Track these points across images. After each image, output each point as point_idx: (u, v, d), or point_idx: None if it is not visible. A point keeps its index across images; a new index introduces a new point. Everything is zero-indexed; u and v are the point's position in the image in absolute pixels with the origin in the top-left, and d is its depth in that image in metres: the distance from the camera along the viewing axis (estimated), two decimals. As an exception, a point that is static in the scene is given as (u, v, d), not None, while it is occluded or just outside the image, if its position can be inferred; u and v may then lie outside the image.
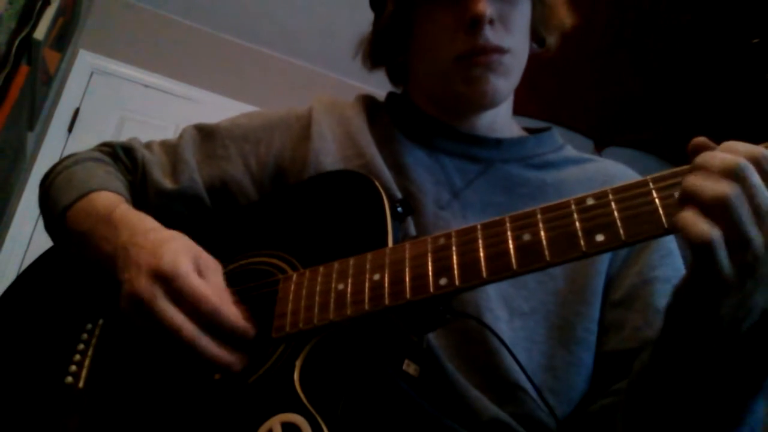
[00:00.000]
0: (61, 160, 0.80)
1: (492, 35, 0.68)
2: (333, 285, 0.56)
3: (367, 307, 0.53)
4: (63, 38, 2.20)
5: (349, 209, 0.63)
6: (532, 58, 0.78)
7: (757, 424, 0.51)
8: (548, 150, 0.78)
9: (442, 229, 0.62)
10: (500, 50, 0.69)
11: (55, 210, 0.72)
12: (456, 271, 0.50)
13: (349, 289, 0.55)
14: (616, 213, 0.45)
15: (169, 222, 0.66)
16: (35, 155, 2.45)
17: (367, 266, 0.55)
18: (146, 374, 0.63)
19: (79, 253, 0.70)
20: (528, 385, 0.61)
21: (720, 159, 0.43)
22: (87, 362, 0.65)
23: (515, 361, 0.60)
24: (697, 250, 0.42)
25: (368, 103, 0.83)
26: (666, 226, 0.43)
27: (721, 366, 0.47)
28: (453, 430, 0.58)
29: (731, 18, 2.10)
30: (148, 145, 0.82)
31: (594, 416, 0.63)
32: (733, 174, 0.41)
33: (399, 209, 0.61)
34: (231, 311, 0.57)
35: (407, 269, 0.53)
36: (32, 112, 2.11)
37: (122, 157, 0.80)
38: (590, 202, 0.47)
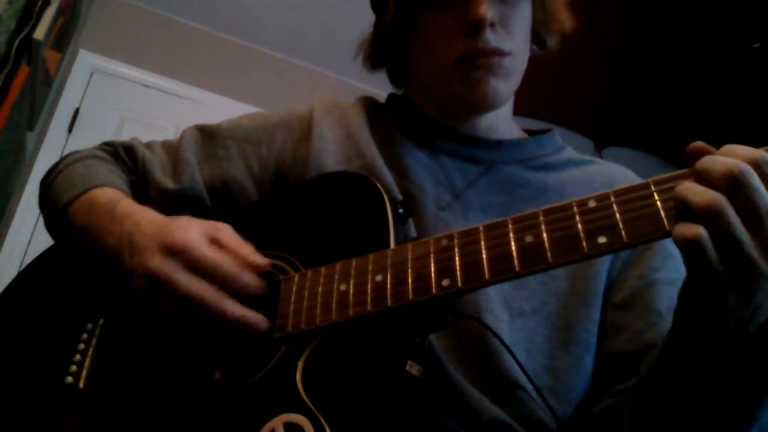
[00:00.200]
0: (63, 158, 0.80)
1: (493, 38, 0.68)
2: (335, 286, 0.56)
3: (369, 307, 0.53)
4: (63, 38, 2.20)
5: (351, 211, 0.63)
6: (533, 59, 0.78)
7: (766, 424, 0.51)
8: (548, 152, 0.79)
9: (442, 230, 0.62)
10: (501, 53, 0.69)
11: (56, 206, 0.72)
12: (458, 273, 0.51)
13: (351, 290, 0.55)
14: (617, 215, 0.45)
15: None
16: (35, 155, 2.45)
17: (370, 267, 0.55)
18: (147, 374, 0.63)
19: (81, 248, 0.70)
20: (528, 386, 0.61)
21: (721, 163, 0.43)
22: (87, 362, 0.65)
23: (516, 362, 0.60)
24: (685, 249, 0.43)
25: (369, 104, 0.84)
26: (667, 228, 0.44)
27: (729, 367, 0.48)
28: (454, 431, 0.58)
29: (732, 23, 2.11)
30: (149, 145, 0.82)
31: (599, 417, 0.64)
32: (734, 177, 0.42)
33: (400, 211, 0.61)
34: (249, 275, 0.58)
35: (410, 270, 0.53)
36: (32, 112, 2.11)
37: (123, 156, 0.81)
38: (592, 204, 0.47)
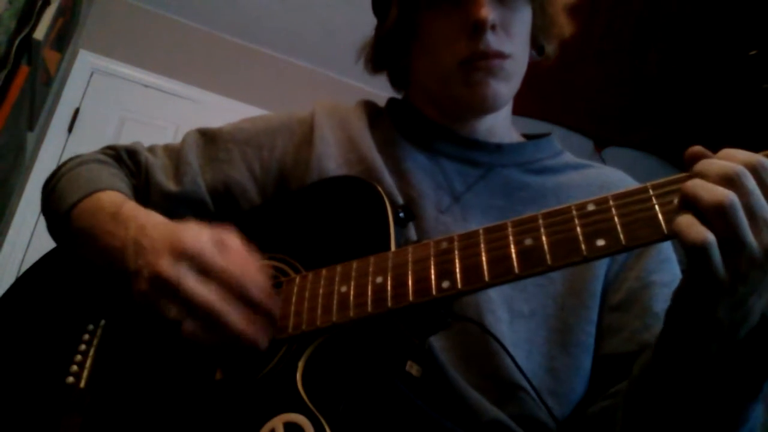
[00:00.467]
0: (65, 162, 0.80)
1: (494, 41, 0.69)
2: (336, 287, 0.56)
3: (369, 309, 0.54)
4: (63, 38, 2.20)
5: (352, 215, 0.63)
6: (532, 62, 0.78)
7: (755, 427, 0.52)
8: (547, 155, 0.79)
9: (442, 233, 0.62)
10: (502, 55, 0.70)
11: (60, 210, 0.72)
12: (458, 275, 0.51)
13: (351, 292, 0.55)
14: (616, 218, 0.46)
15: None
16: (35, 155, 2.45)
17: (370, 269, 0.56)
18: (148, 374, 0.63)
19: (84, 251, 0.70)
20: (528, 387, 0.62)
21: (718, 166, 0.43)
22: (88, 362, 0.65)
23: (515, 365, 0.60)
24: (692, 252, 0.43)
25: (369, 108, 0.84)
26: (665, 231, 0.44)
27: (720, 369, 0.48)
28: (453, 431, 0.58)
29: (729, 31, 2.12)
30: (152, 149, 0.83)
31: (593, 418, 0.64)
32: (730, 180, 0.42)
33: (401, 215, 0.62)
34: (257, 287, 0.57)
35: (410, 272, 0.53)
36: (32, 112, 2.11)
37: (126, 160, 0.81)
38: (591, 207, 0.48)
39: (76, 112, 2.60)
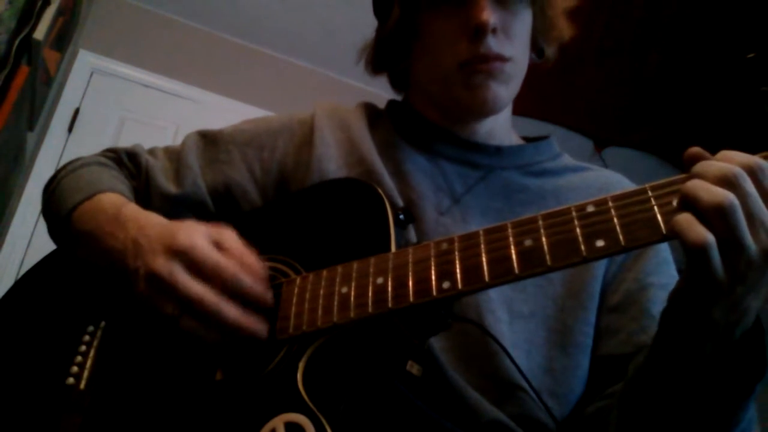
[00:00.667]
0: (66, 165, 0.80)
1: (494, 44, 0.69)
2: (336, 288, 0.57)
3: (370, 309, 0.54)
4: (63, 38, 2.20)
5: (353, 217, 0.64)
6: (532, 65, 0.78)
7: (748, 425, 0.52)
8: (546, 158, 0.79)
9: (442, 235, 0.63)
10: (502, 58, 0.70)
11: (60, 212, 0.72)
12: (459, 275, 0.51)
13: (352, 293, 0.56)
14: (615, 219, 0.46)
15: None
16: (35, 155, 2.45)
17: (371, 270, 0.56)
18: (148, 375, 0.63)
19: (84, 253, 0.71)
20: (527, 387, 0.62)
21: (716, 167, 0.44)
22: (88, 363, 0.66)
23: (514, 365, 0.60)
24: (692, 253, 0.43)
25: (369, 109, 0.84)
26: (664, 232, 0.44)
27: (714, 371, 0.48)
28: (453, 432, 0.58)
29: (728, 33, 2.13)
30: (152, 151, 0.83)
31: (589, 418, 0.64)
32: (729, 182, 0.43)
33: (401, 217, 0.62)
34: (250, 279, 0.58)
35: (410, 273, 0.54)
36: (32, 112, 2.11)
37: (126, 162, 0.81)
38: (590, 209, 0.48)
39: (76, 112, 2.60)
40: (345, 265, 0.58)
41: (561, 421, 0.64)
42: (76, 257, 0.73)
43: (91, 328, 0.69)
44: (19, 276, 0.79)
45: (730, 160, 0.44)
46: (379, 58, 0.82)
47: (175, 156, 0.81)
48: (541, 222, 0.50)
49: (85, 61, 2.66)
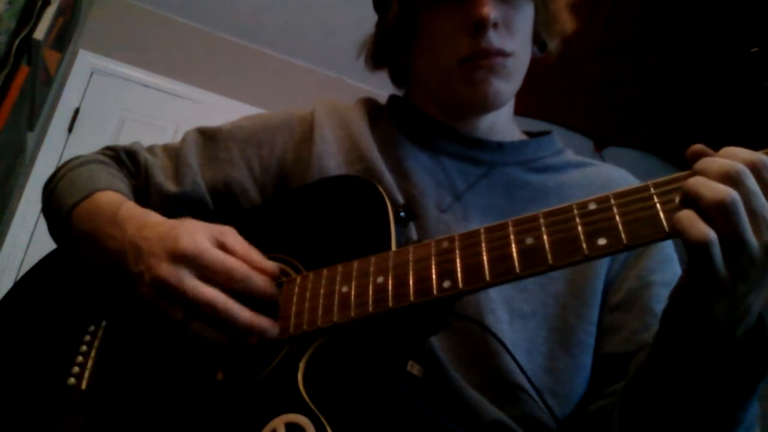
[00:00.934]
0: (65, 163, 0.80)
1: (496, 39, 0.69)
2: (337, 287, 0.56)
3: (370, 309, 0.54)
4: (63, 38, 2.20)
5: (353, 214, 0.63)
6: (534, 60, 0.78)
7: (751, 424, 0.52)
8: (549, 154, 0.79)
9: (443, 232, 0.62)
10: (503, 53, 0.69)
11: (59, 211, 0.72)
12: (459, 274, 0.51)
13: (352, 292, 0.55)
14: (617, 217, 0.46)
15: None
16: (35, 155, 2.45)
17: (371, 269, 0.56)
18: (149, 375, 0.63)
19: (84, 253, 0.71)
20: (529, 387, 0.62)
21: (719, 164, 0.43)
22: (89, 363, 0.65)
23: (516, 364, 0.60)
24: (694, 250, 0.43)
25: (370, 105, 0.84)
26: (667, 230, 0.44)
27: (716, 369, 0.48)
28: (454, 432, 0.58)
29: (731, 28, 2.11)
30: (151, 149, 0.83)
31: (592, 417, 0.64)
32: (731, 179, 0.42)
33: (402, 214, 0.62)
34: (259, 277, 0.59)
35: (411, 272, 0.53)
36: (32, 112, 2.10)
37: (125, 160, 0.81)
38: (592, 206, 0.47)
39: (76, 112, 2.60)
40: (345, 264, 0.58)
41: (562, 420, 0.64)
42: (76, 256, 0.73)
43: (92, 328, 0.68)
44: (19, 276, 0.79)
45: (733, 157, 0.44)
46: (379, 53, 0.81)
47: (174, 154, 0.80)
48: (542, 220, 0.49)
49: (85, 61, 2.67)
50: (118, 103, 2.67)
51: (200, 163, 0.79)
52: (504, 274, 0.49)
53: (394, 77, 0.85)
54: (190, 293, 0.56)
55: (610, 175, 0.78)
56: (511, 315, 0.65)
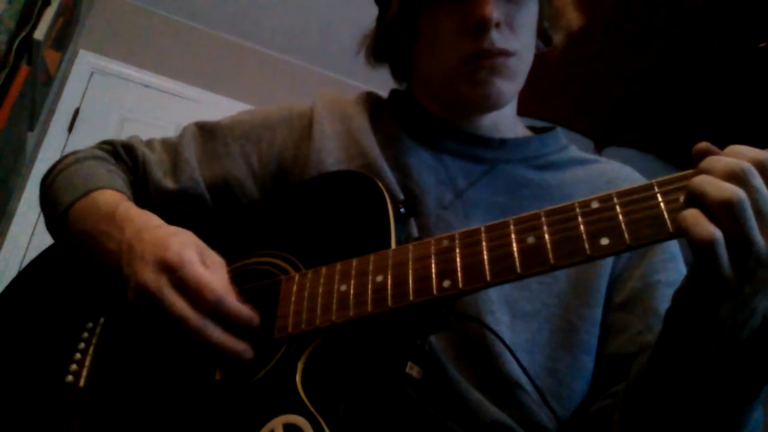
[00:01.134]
0: (62, 158, 0.79)
1: (498, 38, 0.68)
2: (335, 286, 0.56)
3: (369, 308, 0.53)
4: (63, 38, 2.20)
5: (352, 210, 0.63)
6: (535, 59, 0.77)
7: (754, 429, 0.51)
8: (552, 150, 0.78)
9: (444, 230, 0.62)
10: (506, 53, 0.69)
11: (56, 209, 0.72)
12: (459, 274, 0.50)
13: (351, 291, 0.55)
14: (620, 217, 0.45)
15: (170, 221, 0.66)
16: (35, 155, 2.45)
17: (370, 267, 0.55)
18: (147, 374, 0.63)
19: (81, 251, 0.70)
20: (530, 388, 0.61)
21: (724, 162, 0.43)
22: (88, 361, 0.65)
23: (518, 364, 0.59)
24: (699, 250, 0.42)
25: (371, 100, 0.83)
26: (671, 230, 0.43)
27: (720, 371, 0.47)
28: (454, 433, 0.58)
29: (738, 22, 2.09)
30: (149, 143, 0.82)
31: (592, 418, 0.63)
32: (737, 177, 0.42)
33: (402, 210, 0.61)
34: (234, 300, 0.57)
35: (410, 271, 0.53)
36: (32, 112, 2.10)
37: (123, 155, 0.80)
38: (595, 205, 0.47)
39: (76, 112, 2.60)
40: (344, 263, 0.57)
41: (564, 421, 0.63)
42: (73, 253, 0.73)
43: (89, 325, 0.68)
44: (19, 276, 0.79)
45: (739, 155, 0.43)
46: (380, 49, 0.80)
47: (172, 149, 0.80)
48: (544, 219, 0.49)
49: (85, 61, 2.67)
50: (118, 103, 2.67)
51: (198, 159, 0.78)
52: (505, 274, 0.49)
53: (395, 72, 0.85)
54: (165, 304, 0.56)
55: (615, 173, 0.77)
56: (512, 315, 0.65)
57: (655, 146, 2.93)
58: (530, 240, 0.48)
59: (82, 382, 0.64)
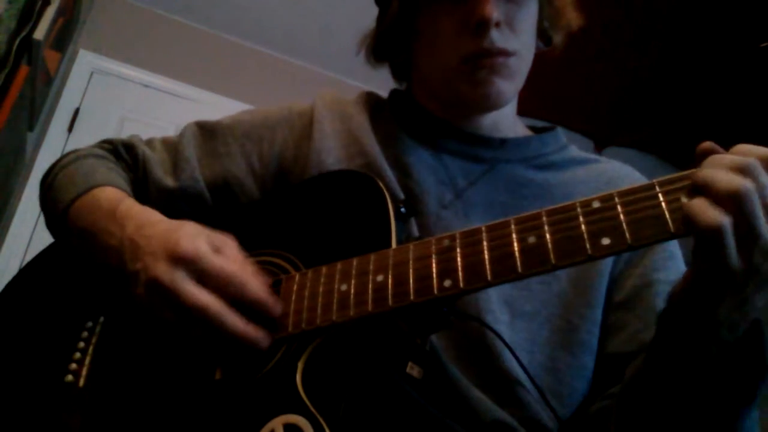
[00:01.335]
0: (63, 157, 0.79)
1: (498, 38, 0.68)
2: (336, 285, 0.56)
3: (370, 308, 0.53)
4: (63, 38, 2.20)
5: (353, 209, 0.63)
6: (535, 58, 0.77)
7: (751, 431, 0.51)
8: (552, 150, 0.78)
9: (444, 229, 0.62)
10: (506, 53, 0.69)
11: (57, 207, 0.72)
12: (460, 273, 0.50)
13: (352, 290, 0.55)
14: (622, 216, 0.45)
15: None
16: (35, 155, 2.45)
17: (371, 267, 0.55)
18: (147, 373, 0.63)
19: (82, 249, 0.70)
20: (530, 387, 0.61)
21: (730, 158, 0.43)
22: (87, 360, 0.65)
23: (518, 363, 0.59)
24: (705, 238, 0.41)
25: (371, 100, 0.83)
26: (672, 230, 0.43)
27: (714, 375, 0.47)
28: (455, 432, 0.58)
29: (739, 22, 2.09)
30: (150, 142, 0.82)
31: (592, 418, 0.63)
32: (745, 171, 0.41)
33: (402, 210, 0.61)
34: (257, 285, 0.57)
35: (411, 270, 0.53)
36: (32, 112, 2.10)
37: (123, 154, 0.80)
38: (596, 204, 0.47)
39: (76, 112, 2.60)
40: (344, 262, 0.57)
41: (564, 421, 0.63)
42: (74, 252, 0.73)
43: (89, 324, 0.68)
44: (19, 276, 0.79)
45: (746, 153, 0.43)
46: (380, 48, 0.80)
47: (172, 148, 0.80)
48: (545, 218, 0.48)
49: (85, 61, 2.67)
50: (118, 103, 2.67)
51: (199, 158, 0.78)
52: (505, 274, 0.49)
53: (395, 72, 0.85)
54: (183, 296, 0.55)
55: (616, 172, 0.77)
56: (512, 315, 0.65)
57: (655, 146, 2.93)
58: (531, 240, 0.48)
59: (81, 382, 0.64)
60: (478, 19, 0.67)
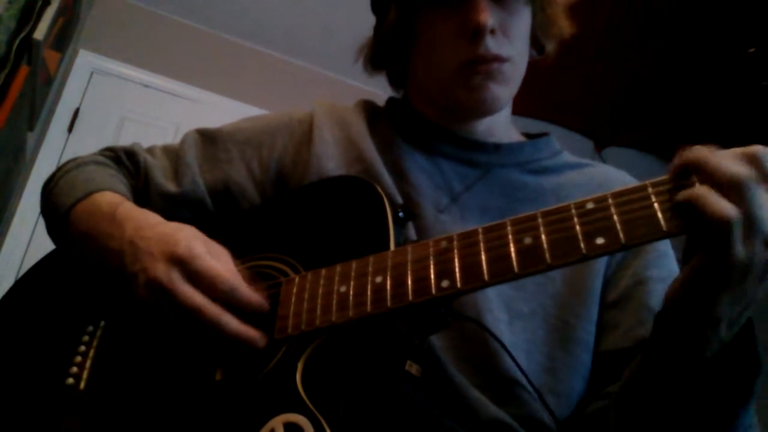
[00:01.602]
0: (64, 164, 0.80)
1: (493, 44, 0.69)
2: (335, 287, 0.56)
3: (369, 309, 0.54)
4: (63, 38, 2.20)
5: (352, 214, 0.63)
6: (532, 61, 0.78)
7: (748, 430, 0.51)
8: (546, 155, 0.79)
9: (441, 233, 0.62)
10: (500, 59, 0.70)
11: (58, 211, 0.72)
12: (458, 274, 0.51)
13: (351, 291, 0.55)
14: (615, 217, 0.46)
15: None
16: (35, 155, 2.45)
17: (370, 269, 0.56)
18: (148, 375, 0.63)
19: (83, 253, 0.71)
20: (529, 386, 0.62)
21: (732, 150, 0.43)
22: (88, 364, 0.65)
23: (515, 364, 0.60)
24: (713, 229, 0.40)
25: (368, 108, 0.84)
26: (664, 229, 0.44)
27: (711, 375, 0.47)
28: (453, 431, 0.58)
29: (728, 29, 2.12)
30: (151, 150, 0.83)
31: (589, 418, 0.64)
32: (747, 158, 0.41)
33: (400, 214, 0.62)
34: (246, 288, 0.59)
35: (409, 272, 0.53)
36: (32, 112, 2.11)
37: (125, 161, 0.81)
38: (590, 206, 0.47)
39: (76, 112, 2.60)
40: (343, 264, 0.58)
41: (563, 420, 0.63)
42: (75, 256, 0.73)
43: (90, 328, 0.69)
44: (19, 276, 0.79)
45: (746, 149, 0.43)
46: (377, 57, 0.82)
47: (173, 154, 0.81)
48: (540, 219, 0.49)
49: (85, 61, 2.67)
50: (118, 103, 2.67)
51: (200, 164, 0.79)
52: (502, 274, 0.49)
53: (392, 79, 0.86)
54: (179, 297, 0.57)
55: (608, 176, 0.78)
56: (509, 315, 0.65)
57: (655, 146, 2.93)
58: (527, 240, 0.49)
59: (82, 385, 0.64)
60: (473, 26, 0.68)
